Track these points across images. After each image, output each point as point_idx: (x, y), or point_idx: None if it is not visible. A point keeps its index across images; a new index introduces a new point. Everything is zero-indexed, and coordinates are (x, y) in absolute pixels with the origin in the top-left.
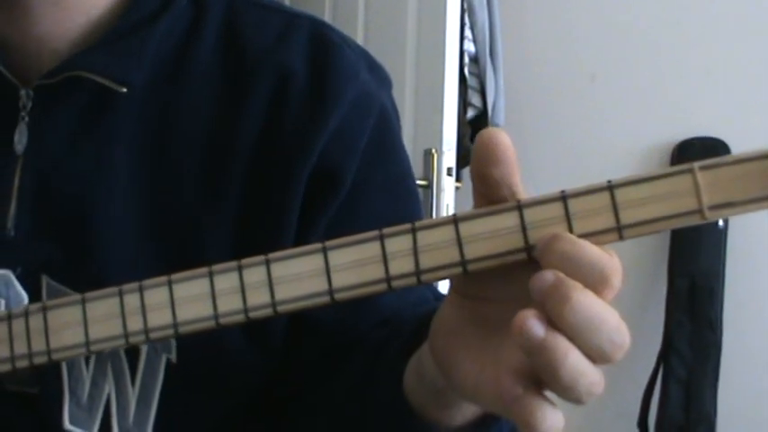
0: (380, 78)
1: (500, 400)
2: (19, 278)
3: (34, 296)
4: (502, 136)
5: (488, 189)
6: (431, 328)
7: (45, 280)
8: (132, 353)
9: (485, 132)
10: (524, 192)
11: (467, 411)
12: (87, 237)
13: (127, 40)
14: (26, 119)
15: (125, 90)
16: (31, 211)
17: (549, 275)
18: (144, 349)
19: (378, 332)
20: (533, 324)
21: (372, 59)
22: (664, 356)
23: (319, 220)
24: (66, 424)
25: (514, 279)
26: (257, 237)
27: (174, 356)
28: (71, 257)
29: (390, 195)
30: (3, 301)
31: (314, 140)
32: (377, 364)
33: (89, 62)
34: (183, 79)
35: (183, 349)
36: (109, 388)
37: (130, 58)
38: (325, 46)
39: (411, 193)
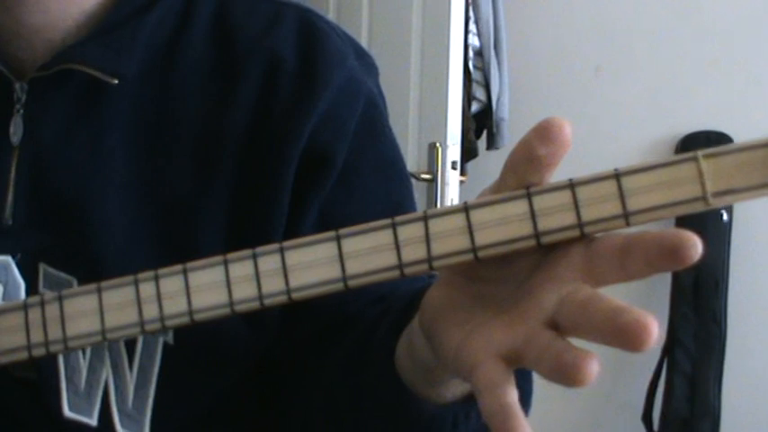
0: (367, 65)
1: (468, 367)
2: (18, 265)
3: (32, 283)
4: (562, 122)
5: (521, 178)
6: (421, 303)
7: (42, 267)
8: None
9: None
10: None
11: (456, 389)
12: (83, 225)
13: (118, 32)
14: (21, 111)
15: (116, 82)
16: (28, 201)
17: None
18: None
19: (373, 308)
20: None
21: (359, 47)
22: (668, 350)
23: (312, 202)
24: (66, 411)
25: (511, 260)
26: (250, 220)
27: (170, 339)
28: (68, 245)
29: (383, 176)
30: (0, 287)
31: (303, 124)
32: (370, 341)
33: (82, 54)
34: (175, 68)
35: (180, 331)
36: (106, 374)
37: (122, 50)
38: (313, 33)
39: (403, 175)
